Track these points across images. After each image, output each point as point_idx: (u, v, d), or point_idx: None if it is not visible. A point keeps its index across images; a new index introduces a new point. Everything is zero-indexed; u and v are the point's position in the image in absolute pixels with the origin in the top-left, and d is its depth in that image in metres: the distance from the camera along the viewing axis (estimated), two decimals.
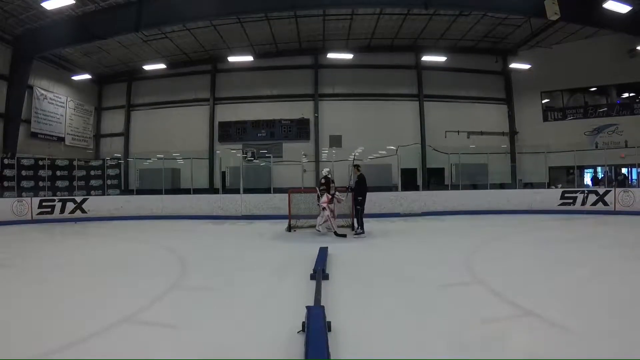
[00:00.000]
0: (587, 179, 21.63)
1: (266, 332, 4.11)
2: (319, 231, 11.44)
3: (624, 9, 15.45)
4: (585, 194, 16.65)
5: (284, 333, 4.03)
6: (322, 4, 17.34)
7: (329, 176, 11.82)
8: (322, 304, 4.62)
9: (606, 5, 15.46)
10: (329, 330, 3.89)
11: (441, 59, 20.97)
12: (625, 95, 21.75)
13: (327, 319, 4.02)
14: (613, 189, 16.40)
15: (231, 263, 8.07)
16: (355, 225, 11.47)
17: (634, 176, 19.72)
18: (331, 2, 17.08)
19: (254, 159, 21.91)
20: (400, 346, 3.80)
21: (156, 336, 4.14)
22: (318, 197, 11.68)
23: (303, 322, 4.00)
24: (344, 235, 10.94)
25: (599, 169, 21.16)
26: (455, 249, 9.02)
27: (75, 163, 18.67)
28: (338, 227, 11.47)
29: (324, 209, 11.15)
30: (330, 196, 11.23)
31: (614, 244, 9.67)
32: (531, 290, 5.52)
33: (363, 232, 10.93)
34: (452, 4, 17.40)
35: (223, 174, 21.44)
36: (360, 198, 11.14)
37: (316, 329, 3.64)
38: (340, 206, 12.26)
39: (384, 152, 19.94)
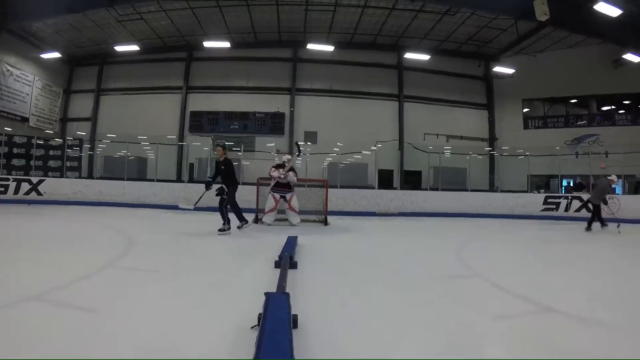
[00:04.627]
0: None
1: (210, 327, 3.12)
2: (265, 223, 10.58)
3: (615, 12, 15.24)
4: (569, 200, 16.21)
5: (233, 328, 3.04)
6: None
7: (287, 163, 10.81)
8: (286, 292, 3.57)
9: (597, 7, 15.22)
10: (295, 326, 2.95)
11: (424, 57, 20.60)
12: (607, 107, 21.59)
13: (293, 312, 3.04)
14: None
15: (184, 248, 7.12)
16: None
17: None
18: None
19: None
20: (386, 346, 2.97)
21: (64, 319, 3.17)
22: (271, 176, 10.83)
23: (259, 314, 2.98)
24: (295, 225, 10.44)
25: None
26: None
27: (34, 141, 17.64)
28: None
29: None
30: (280, 170, 10.54)
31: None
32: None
33: (228, 230, 8.57)
34: None
35: (191, 165, 20.60)
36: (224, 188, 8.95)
37: (275, 320, 2.71)
38: (313, 202, 11.78)
39: (366, 152, 19.38)
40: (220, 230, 8.53)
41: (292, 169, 10.74)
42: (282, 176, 10.46)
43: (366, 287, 4.56)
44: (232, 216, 8.80)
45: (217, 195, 8.90)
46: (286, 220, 10.99)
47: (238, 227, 8.88)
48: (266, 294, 3.29)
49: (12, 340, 2.69)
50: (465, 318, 3.55)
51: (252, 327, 2.95)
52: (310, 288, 4.33)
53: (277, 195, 10.61)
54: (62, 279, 4.22)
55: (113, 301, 3.67)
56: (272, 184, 10.54)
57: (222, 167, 8.89)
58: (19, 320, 3.06)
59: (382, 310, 3.74)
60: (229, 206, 8.85)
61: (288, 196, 10.65)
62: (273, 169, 10.74)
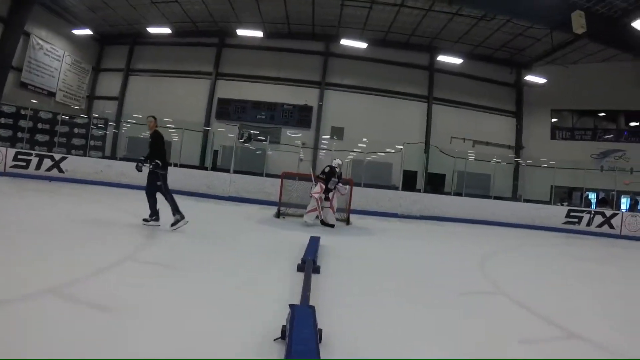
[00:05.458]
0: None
1: (233, 335, 3.00)
2: (306, 222, 10.08)
3: None
4: (592, 215, 16.12)
5: (254, 340, 2.92)
6: None
7: (337, 169, 10.45)
8: (311, 304, 3.41)
9: (634, 24, 15.01)
10: (320, 340, 2.82)
11: (456, 60, 20.42)
12: (635, 123, 21.40)
13: (318, 326, 2.94)
14: (620, 212, 15.93)
15: (203, 242, 6.97)
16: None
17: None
18: None
19: (248, 143, 20.81)
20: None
21: (73, 316, 3.04)
22: (312, 186, 10.53)
23: (283, 326, 2.93)
24: (332, 225, 9.99)
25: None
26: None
27: (59, 117, 17.62)
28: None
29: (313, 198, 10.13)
30: (324, 187, 10.09)
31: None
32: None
33: (181, 219, 7.35)
34: (477, 4, 16.87)
35: (215, 152, 20.59)
36: (155, 165, 7.45)
37: (302, 336, 2.63)
38: (336, 200, 11.08)
39: (391, 150, 19.08)
40: (145, 220, 7.46)
41: (338, 181, 10.40)
42: (341, 193, 10.40)
43: (391, 300, 4.45)
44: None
45: (137, 170, 7.53)
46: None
47: (172, 225, 7.26)
48: (291, 306, 3.19)
49: (25, 336, 2.63)
50: (490, 340, 3.50)
51: (275, 340, 2.88)
52: (334, 298, 4.18)
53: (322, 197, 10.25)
54: (78, 272, 4.08)
55: (129, 301, 3.49)
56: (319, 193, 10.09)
57: (150, 141, 7.60)
58: (34, 315, 2.94)
59: (406, 326, 3.65)
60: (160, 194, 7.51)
61: (330, 195, 10.34)
62: (317, 178, 10.48)
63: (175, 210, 7.32)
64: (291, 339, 2.59)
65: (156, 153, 7.43)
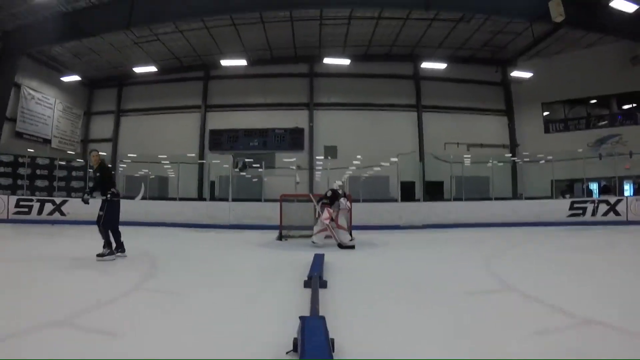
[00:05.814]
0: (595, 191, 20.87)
1: (237, 352, 3.03)
2: (314, 243, 9.85)
3: (631, 7, 15.05)
4: (596, 204, 15.89)
5: (265, 353, 2.95)
6: (320, 2, 16.78)
7: (340, 190, 10.30)
8: (321, 315, 3.49)
9: (613, 4, 15.08)
10: (333, 349, 2.83)
11: (440, 66, 20.46)
12: (628, 105, 21.16)
13: (330, 336, 2.95)
14: (624, 198, 15.70)
15: (207, 266, 7.12)
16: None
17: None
18: (328, 0, 16.53)
19: (243, 171, 20.79)
20: None
21: (85, 344, 3.13)
22: (317, 213, 10.35)
23: (295, 339, 2.94)
24: (352, 247, 9.64)
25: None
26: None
27: (56, 162, 17.97)
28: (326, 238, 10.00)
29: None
30: (331, 211, 9.86)
31: None
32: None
33: (113, 254, 7.29)
34: (453, 7, 16.90)
35: (212, 183, 20.72)
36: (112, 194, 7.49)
37: (314, 346, 2.62)
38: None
39: (385, 163, 19.03)
40: (99, 255, 7.06)
41: (341, 196, 10.18)
42: (331, 218, 9.90)
43: (399, 307, 4.43)
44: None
45: (84, 203, 7.55)
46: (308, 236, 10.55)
47: (98, 255, 7.01)
48: (301, 318, 3.20)
49: None
50: (502, 335, 3.46)
51: (287, 353, 2.87)
52: (343, 309, 4.18)
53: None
54: (86, 303, 4.21)
55: (138, 325, 3.61)
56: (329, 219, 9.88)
57: (97, 174, 7.53)
58: (42, 346, 3.02)
59: (420, 331, 3.61)
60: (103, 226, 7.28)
61: (334, 216, 10.02)
62: (321, 205, 10.23)
63: (108, 244, 7.22)
64: (304, 350, 2.59)
65: (107, 183, 7.41)
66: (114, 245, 7.32)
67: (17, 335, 3.20)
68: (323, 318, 3.26)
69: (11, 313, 3.82)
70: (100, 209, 7.28)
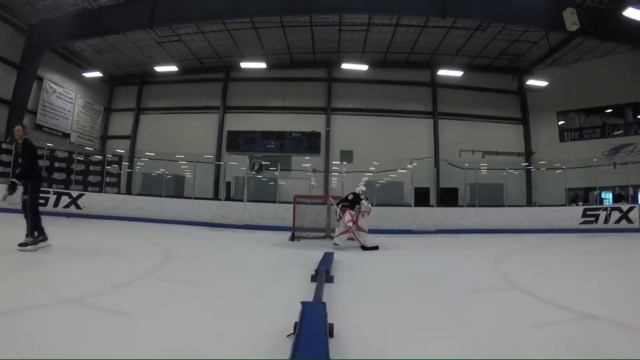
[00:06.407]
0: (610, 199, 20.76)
1: (243, 335, 3.15)
2: (336, 245, 9.72)
3: None
4: (608, 212, 15.87)
5: (267, 336, 3.05)
6: (339, 8, 16.92)
7: (362, 195, 10.21)
8: (322, 301, 3.59)
9: (626, 13, 15.00)
10: (331, 335, 2.94)
11: (457, 73, 20.59)
12: None
13: (329, 321, 3.02)
14: (637, 205, 15.67)
15: (219, 261, 7.31)
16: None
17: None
18: (347, 6, 16.65)
19: (260, 173, 20.87)
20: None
21: (102, 322, 3.31)
22: (338, 215, 10.31)
23: (295, 323, 2.98)
24: (376, 248, 9.59)
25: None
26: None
27: (75, 156, 18.27)
28: (348, 240, 9.99)
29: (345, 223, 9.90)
30: (353, 213, 9.84)
31: None
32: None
33: (36, 242, 6.55)
34: (470, 15, 17.02)
35: (228, 184, 20.94)
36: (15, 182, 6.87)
37: (311, 326, 2.73)
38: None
39: (402, 170, 19.10)
40: (21, 244, 6.34)
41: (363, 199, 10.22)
42: (353, 220, 9.92)
43: (403, 300, 4.54)
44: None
45: (8, 192, 6.70)
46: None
47: (20, 245, 6.31)
48: (303, 302, 3.30)
49: (48, 339, 2.85)
50: (501, 326, 3.55)
51: (288, 336, 2.95)
52: (347, 300, 4.27)
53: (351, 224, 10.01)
54: (101, 285, 4.46)
55: (150, 308, 3.78)
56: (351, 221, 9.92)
57: (20, 152, 6.81)
58: (56, 321, 3.23)
59: (423, 324, 3.64)
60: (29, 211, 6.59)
61: (355, 218, 9.99)
62: (342, 208, 10.24)
63: (34, 229, 6.49)
64: (300, 332, 2.68)
65: (30, 165, 6.72)
66: (37, 234, 6.56)
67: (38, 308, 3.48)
68: (324, 303, 3.40)
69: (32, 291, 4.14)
70: (24, 193, 6.59)
